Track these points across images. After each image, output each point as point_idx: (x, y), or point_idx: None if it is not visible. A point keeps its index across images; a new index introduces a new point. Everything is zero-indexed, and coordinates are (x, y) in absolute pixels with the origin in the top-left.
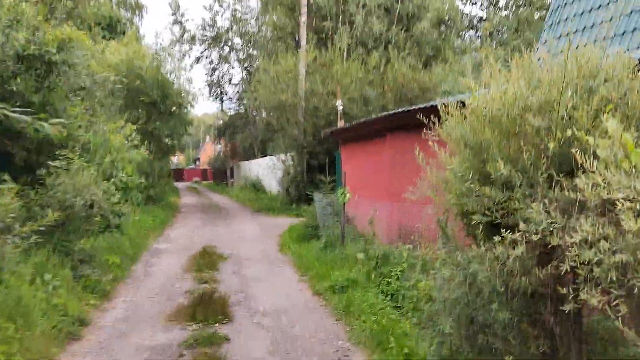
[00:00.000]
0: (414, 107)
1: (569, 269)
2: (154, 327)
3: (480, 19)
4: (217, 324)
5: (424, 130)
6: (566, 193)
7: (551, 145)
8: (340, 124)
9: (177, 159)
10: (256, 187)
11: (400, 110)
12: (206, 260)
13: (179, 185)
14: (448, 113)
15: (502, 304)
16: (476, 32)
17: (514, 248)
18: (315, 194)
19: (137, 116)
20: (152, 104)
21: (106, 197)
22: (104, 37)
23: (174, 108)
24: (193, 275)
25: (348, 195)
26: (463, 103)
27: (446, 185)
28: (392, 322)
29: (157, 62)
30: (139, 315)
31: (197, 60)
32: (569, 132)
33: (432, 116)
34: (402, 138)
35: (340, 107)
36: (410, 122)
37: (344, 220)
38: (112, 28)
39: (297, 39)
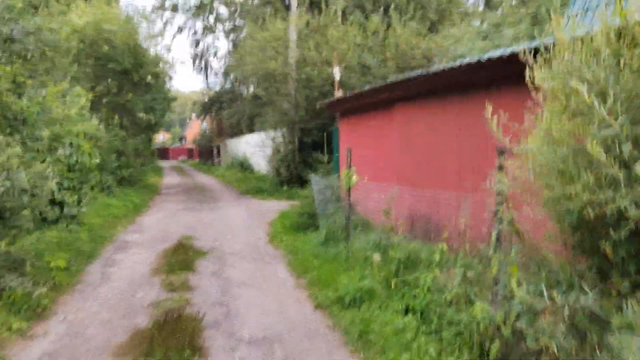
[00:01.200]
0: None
1: None
2: None
3: None
4: None
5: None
6: None
7: None
8: (338, 94)
9: (162, 137)
10: (244, 166)
11: (471, 61)
12: (181, 257)
13: (164, 164)
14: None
15: None
16: None
17: None
18: (312, 176)
19: (107, 87)
20: (124, 73)
21: (37, 183)
22: None
23: (149, 78)
24: (162, 278)
25: (355, 177)
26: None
27: (541, 170)
28: None
29: (130, 25)
30: (76, 349)
31: (180, 30)
32: None
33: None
34: (421, 107)
35: (338, 75)
36: (447, 84)
37: (348, 209)
38: None
39: (287, 2)
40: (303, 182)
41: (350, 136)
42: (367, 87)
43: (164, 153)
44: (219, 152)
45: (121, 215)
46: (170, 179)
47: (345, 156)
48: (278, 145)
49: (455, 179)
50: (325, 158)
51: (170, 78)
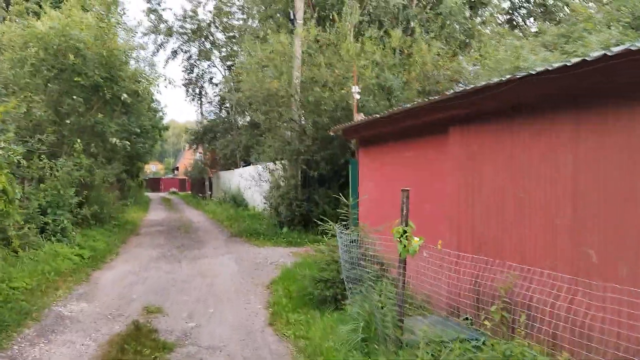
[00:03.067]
0: None
1: None
2: None
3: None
4: None
5: None
6: None
7: None
8: (359, 117)
9: (155, 168)
10: (237, 201)
11: None
12: (131, 358)
13: (154, 196)
14: None
15: None
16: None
17: None
18: (337, 229)
19: (72, 106)
20: (94, 89)
21: None
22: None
23: (124, 96)
24: None
25: (418, 241)
26: None
27: None
28: None
29: (103, 31)
30: None
31: (174, 54)
32: None
33: None
34: (498, 131)
35: (357, 95)
36: (549, 93)
37: (402, 288)
38: None
39: (292, 16)
40: (307, 224)
41: (375, 171)
42: (406, 106)
43: (155, 184)
44: (210, 184)
45: (70, 270)
46: (155, 215)
47: (402, 203)
48: (277, 180)
49: (567, 247)
50: (350, 199)
51: (152, 99)
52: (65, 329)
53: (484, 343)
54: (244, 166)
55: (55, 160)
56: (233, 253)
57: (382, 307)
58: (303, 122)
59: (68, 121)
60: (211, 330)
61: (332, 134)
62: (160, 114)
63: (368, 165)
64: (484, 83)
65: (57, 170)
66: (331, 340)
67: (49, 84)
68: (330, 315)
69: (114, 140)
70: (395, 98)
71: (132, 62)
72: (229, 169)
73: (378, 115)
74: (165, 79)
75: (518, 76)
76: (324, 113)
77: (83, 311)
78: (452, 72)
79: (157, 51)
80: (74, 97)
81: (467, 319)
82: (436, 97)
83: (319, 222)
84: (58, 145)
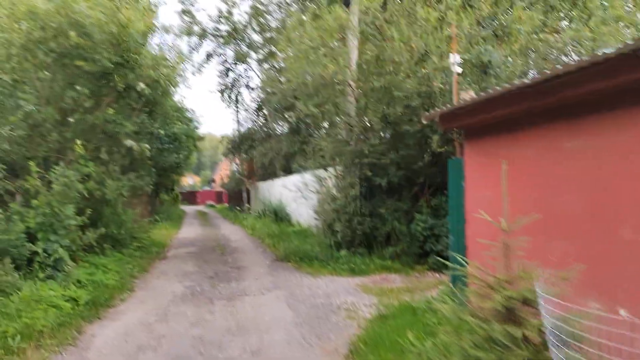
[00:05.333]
0: None
1: None
2: None
3: None
4: None
5: None
6: None
7: None
8: (467, 96)
9: (191, 181)
10: (278, 215)
11: None
12: None
13: (190, 209)
14: None
15: None
16: None
17: None
18: (536, 287)
19: (75, 99)
20: (103, 78)
21: None
22: None
23: (140, 86)
24: None
25: None
26: None
27: None
28: None
29: (113, 3)
30: None
31: (209, 57)
32: None
33: None
34: None
35: (458, 68)
36: None
37: None
38: None
39: None
40: (371, 245)
41: (496, 173)
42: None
43: (191, 197)
44: (248, 196)
45: (53, 325)
46: (188, 231)
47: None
48: (331, 191)
49: None
50: (450, 215)
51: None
52: None
53: None
54: (284, 176)
55: (51, 168)
56: (282, 287)
57: None
58: (365, 117)
59: (71, 119)
60: None
61: (424, 121)
62: (195, 123)
63: (482, 166)
64: None
65: (53, 182)
66: None
67: (45, 72)
68: None
69: (128, 143)
70: (494, 76)
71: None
72: (268, 179)
73: (513, 85)
74: (197, 69)
75: None
76: (397, 102)
77: None
78: (563, 44)
79: (190, 54)
80: (78, 87)
81: None
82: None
83: (384, 242)
84: (58, 151)
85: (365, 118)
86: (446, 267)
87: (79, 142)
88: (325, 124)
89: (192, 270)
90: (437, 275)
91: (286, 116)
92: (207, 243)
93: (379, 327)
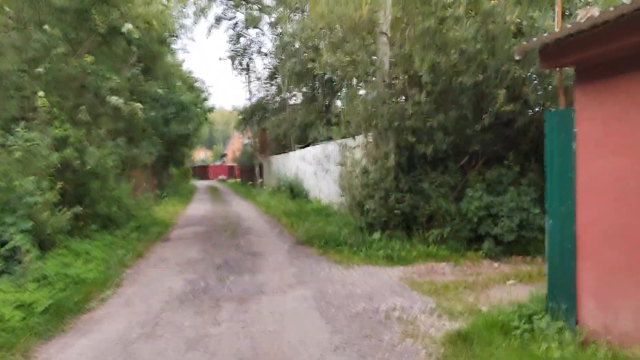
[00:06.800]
0: None
1: None
2: None
3: None
4: None
5: None
6: None
7: None
8: (589, 13)
9: (203, 155)
10: (294, 191)
11: None
12: None
13: (201, 184)
14: None
15: None
16: None
17: None
18: None
19: (43, 43)
20: (81, 17)
21: None
22: None
23: (127, 28)
24: None
25: None
26: None
27: None
28: None
29: None
30: None
31: (218, 21)
32: None
33: None
34: None
35: None
36: None
37: None
38: None
39: None
40: (410, 227)
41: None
42: None
43: (203, 172)
44: (261, 171)
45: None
46: (196, 208)
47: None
48: (361, 163)
49: None
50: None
51: (173, 35)
52: None
53: None
54: (300, 148)
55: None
56: (308, 283)
57: None
58: (402, 66)
59: (40, 69)
60: None
61: (517, 57)
62: (205, 94)
63: (613, 120)
64: None
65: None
66: None
67: (6, 8)
68: None
69: (113, 100)
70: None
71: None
72: (283, 153)
73: None
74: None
75: None
76: (451, 47)
77: None
78: None
79: (199, 18)
80: (46, 27)
81: None
82: None
83: (425, 223)
84: (25, 110)
85: (402, 73)
86: (506, 253)
87: (41, 94)
88: (355, 82)
89: (197, 257)
90: (495, 264)
91: (303, 82)
92: (217, 222)
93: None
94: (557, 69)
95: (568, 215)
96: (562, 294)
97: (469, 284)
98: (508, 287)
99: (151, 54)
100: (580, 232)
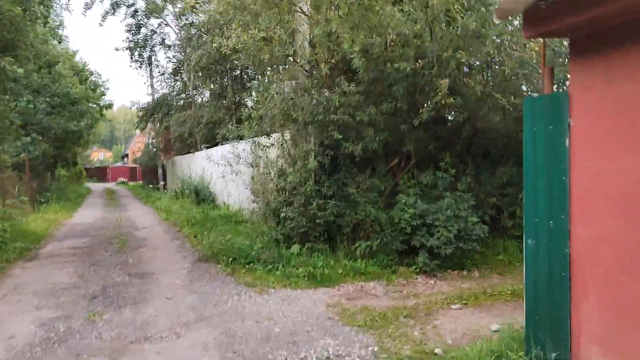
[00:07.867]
0: None
1: None
2: None
3: None
4: None
5: None
6: None
7: None
8: None
9: (102, 156)
10: (200, 195)
11: None
12: None
13: (97, 187)
14: None
15: None
16: None
17: None
18: None
19: None
20: None
21: None
22: None
23: None
24: None
25: None
26: None
27: None
28: None
29: None
30: None
31: (115, 6)
32: None
33: None
34: None
35: None
36: None
37: None
38: None
39: None
40: (333, 238)
41: None
42: None
43: (101, 174)
44: (164, 173)
45: None
46: (84, 215)
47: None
48: (278, 163)
49: None
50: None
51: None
52: None
53: None
54: (207, 148)
55: None
56: (211, 319)
57: None
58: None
59: None
60: None
61: (496, 19)
62: (102, 88)
63: (623, 106)
64: None
65: None
66: None
67: None
68: None
69: None
70: None
71: None
72: (188, 153)
73: None
74: None
75: None
76: (386, 27)
77: None
78: None
79: (92, 3)
80: None
81: None
82: None
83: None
84: None
85: (327, 58)
86: (442, 267)
87: None
88: (270, 70)
89: (66, 283)
90: (431, 281)
91: (211, 78)
92: (106, 232)
93: None
94: (542, 39)
95: (559, 232)
96: (551, 337)
97: (410, 309)
98: (455, 313)
99: (10, 25)
100: (576, 255)
